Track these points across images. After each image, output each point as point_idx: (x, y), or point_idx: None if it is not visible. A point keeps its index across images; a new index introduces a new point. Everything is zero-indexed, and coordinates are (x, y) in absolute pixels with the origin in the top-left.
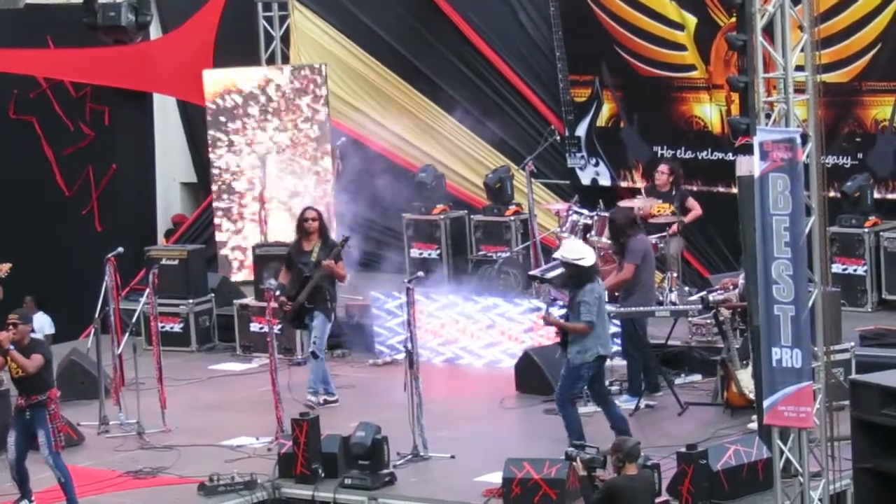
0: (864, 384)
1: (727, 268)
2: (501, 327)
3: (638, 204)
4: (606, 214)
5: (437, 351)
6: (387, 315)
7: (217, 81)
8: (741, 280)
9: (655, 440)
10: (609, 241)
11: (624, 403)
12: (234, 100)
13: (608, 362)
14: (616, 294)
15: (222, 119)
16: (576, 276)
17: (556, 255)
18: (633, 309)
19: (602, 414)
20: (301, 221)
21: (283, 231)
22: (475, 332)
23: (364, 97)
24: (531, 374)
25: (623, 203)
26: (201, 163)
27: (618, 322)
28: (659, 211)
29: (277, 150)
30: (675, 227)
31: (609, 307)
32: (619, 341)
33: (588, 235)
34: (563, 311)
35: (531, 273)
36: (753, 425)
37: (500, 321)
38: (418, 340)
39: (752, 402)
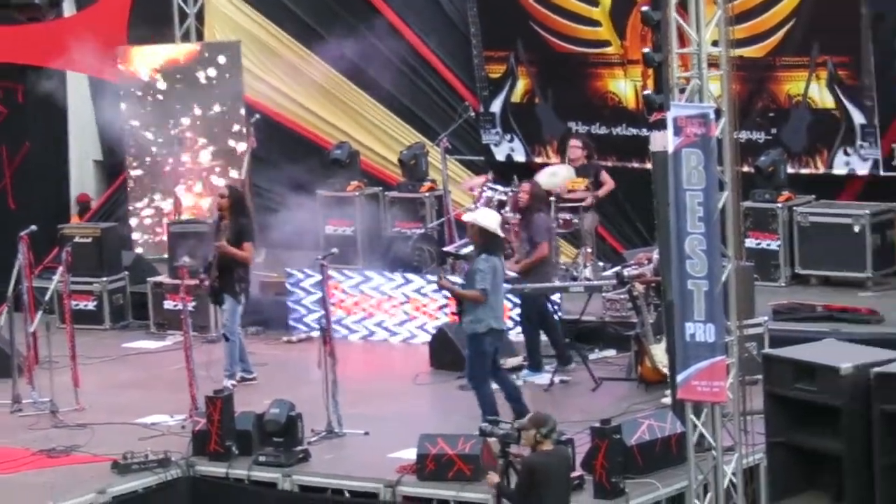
0: (777, 358)
1: (641, 243)
2: (416, 304)
3: (557, 172)
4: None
5: (351, 328)
6: (301, 292)
7: (131, 58)
8: (655, 255)
9: (570, 415)
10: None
11: (528, 378)
12: (148, 77)
13: (522, 337)
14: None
15: (138, 94)
16: (481, 244)
17: (467, 217)
18: (547, 284)
19: (529, 389)
20: (216, 203)
21: (198, 208)
22: (390, 308)
23: (278, 74)
24: (446, 351)
25: (544, 170)
26: (114, 141)
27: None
28: (573, 186)
29: (192, 126)
30: (589, 201)
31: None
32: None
33: (503, 211)
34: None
35: (445, 249)
36: (667, 400)
37: (415, 298)
38: (333, 317)
39: (665, 376)
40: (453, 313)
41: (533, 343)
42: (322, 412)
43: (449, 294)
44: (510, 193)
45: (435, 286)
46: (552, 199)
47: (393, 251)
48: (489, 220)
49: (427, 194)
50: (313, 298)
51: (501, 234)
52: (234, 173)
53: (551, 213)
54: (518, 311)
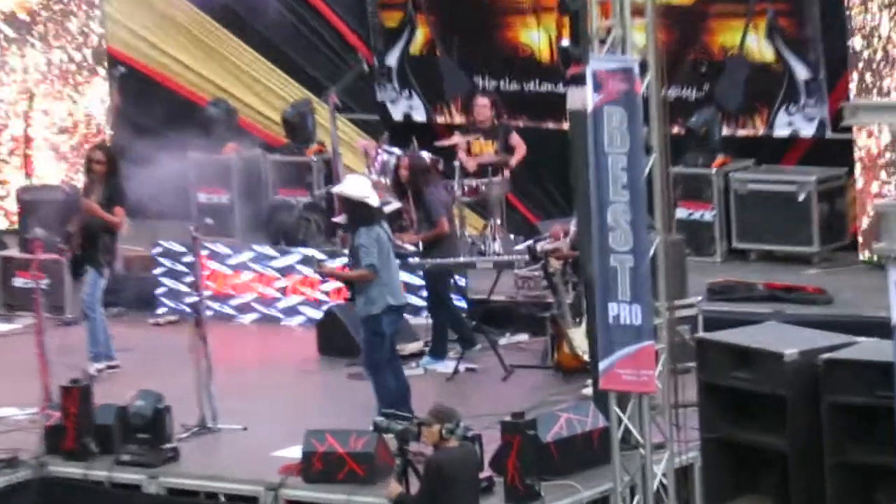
0: (712, 343)
1: (558, 213)
2: (301, 281)
3: (456, 140)
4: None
5: (228, 308)
6: (170, 267)
7: None
8: (573, 227)
9: (477, 408)
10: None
11: (430, 366)
12: None
13: (425, 320)
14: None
15: None
16: (354, 217)
17: (335, 190)
18: (451, 260)
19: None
20: (87, 163)
21: (51, 173)
22: (272, 286)
23: (145, 22)
24: (335, 335)
25: (441, 143)
26: None
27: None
28: (480, 150)
29: (44, 80)
30: (499, 178)
31: (420, 260)
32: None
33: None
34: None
35: (335, 220)
36: (588, 391)
37: (300, 274)
38: (206, 296)
39: (586, 364)
40: (346, 299)
41: (441, 326)
42: (194, 404)
43: (335, 281)
44: (403, 158)
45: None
46: (456, 164)
47: (275, 222)
48: (357, 188)
49: (314, 157)
50: (184, 275)
51: (375, 202)
52: (93, 132)
53: (457, 179)
54: (424, 291)
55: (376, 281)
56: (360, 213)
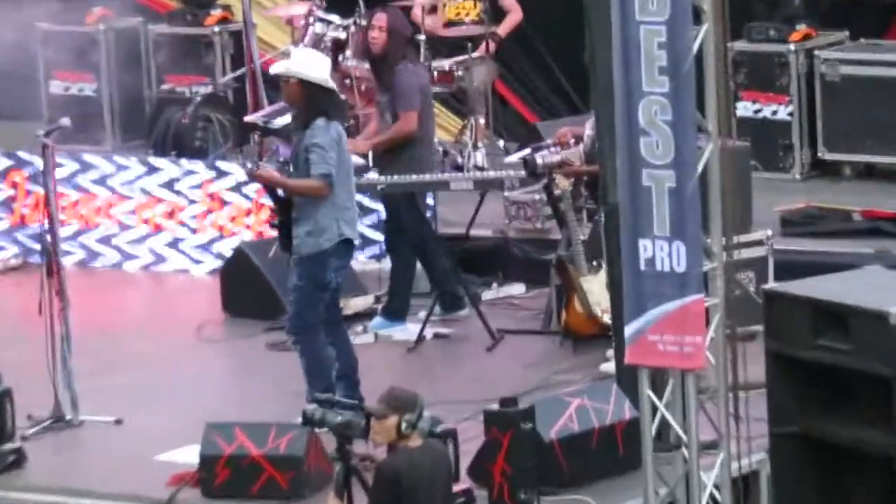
0: (788, 298)
1: (566, 110)
2: (200, 208)
3: (422, 1)
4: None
5: (94, 248)
6: (10, 189)
7: None
8: (589, 130)
9: (450, 392)
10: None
11: (382, 331)
12: None
13: (377, 265)
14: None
15: None
16: (309, 108)
17: (278, 67)
18: (413, 178)
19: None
20: None
21: None
22: (156, 216)
23: None
24: (247, 284)
25: (399, 2)
26: None
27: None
28: (458, 15)
29: None
30: (483, 45)
31: (373, 176)
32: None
33: (341, 58)
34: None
35: (248, 119)
36: (609, 366)
37: (198, 198)
38: (63, 231)
39: (605, 327)
40: (271, 223)
41: (401, 275)
42: (45, 387)
43: (268, 192)
44: (353, 28)
45: (238, 179)
46: (421, 38)
47: (162, 122)
48: (316, 66)
49: (216, 29)
50: (30, 200)
51: (332, 85)
52: None
53: (423, 61)
54: (376, 219)
55: (328, 202)
56: (320, 102)
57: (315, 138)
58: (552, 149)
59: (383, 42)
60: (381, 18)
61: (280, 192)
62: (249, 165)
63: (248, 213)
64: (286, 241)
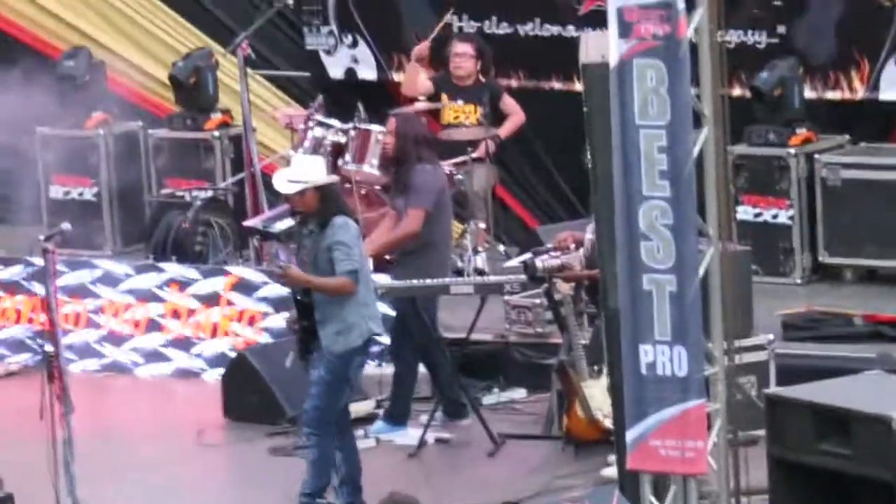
0: (790, 402)
1: (567, 214)
2: (201, 315)
3: (421, 107)
4: (370, 127)
5: (95, 352)
6: (8, 295)
7: None
8: (589, 234)
9: (451, 496)
10: (377, 171)
11: (384, 435)
12: None
13: (378, 369)
14: (389, 259)
15: None
16: (325, 208)
17: (290, 188)
18: (418, 282)
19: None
20: None
21: None
22: (157, 321)
23: None
24: (248, 389)
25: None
26: None
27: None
28: (458, 118)
29: None
30: (482, 147)
31: (379, 278)
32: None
33: (341, 162)
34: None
35: (248, 224)
36: (611, 471)
37: (198, 305)
38: (64, 336)
39: (607, 432)
40: (292, 328)
41: (404, 379)
42: (47, 492)
43: (293, 294)
44: (352, 132)
45: (229, 283)
46: None
47: (162, 226)
48: (320, 168)
49: (217, 133)
50: (30, 304)
51: (335, 181)
52: None
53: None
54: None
55: (353, 299)
56: (335, 201)
57: (337, 236)
58: (552, 253)
59: (393, 145)
60: (390, 123)
61: (298, 295)
62: (281, 263)
63: (251, 318)
64: (305, 346)
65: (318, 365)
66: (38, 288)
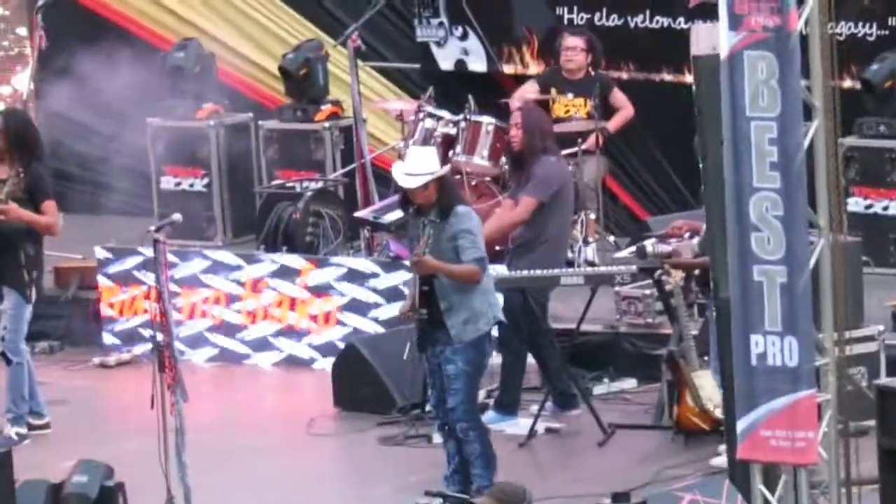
0: None
1: (677, 205)
2: (311, 304)
3: (532, 98)
4: (481, 119)
5: (205, 342)
6: (121, 285)
7: None
8: (701, 224)
9: (562, 486)
10: (487, 162)
11: (495, 426)
12: None
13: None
14: (499, 248)
15: None
16: (446, 197)
17: (403, 171)
18: (528, 273)
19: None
20: None
21: None
22: (268, 310)
23: None
24: (358, 379)
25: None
26: None
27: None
28: (568, 112)
29: None
30: (593, 139)
31: (492, 268)
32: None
33: (451, 153)
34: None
35: (358, 215)
36: (721, 460)
37: (307, 295)
38: (175, 326)
39: (717, 422)
40: (413, 317)
41: (513, 369)
42: (158, 481)
43: (422, 282)
44: (463, 124)
45: (339, 273)
46: None
47: (273, 217)
48: (435, 161)
49: (327, 124)
50: (141, 294)
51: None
52: (6, 92)
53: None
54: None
55: (480, 287)
56: (453, 190)
57: (461, 224)
58: (664, 243)
59: (521, 138)
60: (516, 116)
61: (425, 286)
62: (412, 254)
63: (351, 308)
64: (424, 336)
65: (450, 359)
66: (149, 278)
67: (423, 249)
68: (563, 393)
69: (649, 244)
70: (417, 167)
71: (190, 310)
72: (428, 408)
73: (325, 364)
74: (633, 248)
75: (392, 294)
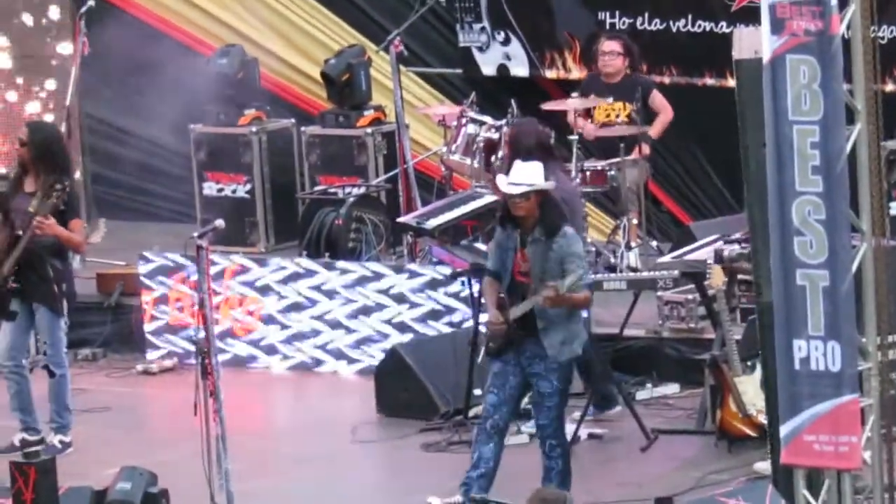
0: None
1: (720, 209)
2: (354, 310)
3: (573, 104)
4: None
5: (248, 349)
6: (164, 289)
7: None
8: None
9: (603, 492)
10: None
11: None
12: None
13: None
14: None
15: None
16: (552, 215)
17: (505, 182)
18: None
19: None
20: (20, 146)
21: None
22: (309, 318)
23: None
24: (401, 385)
25: (550, 106)
26: None
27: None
28: (609, 116)
29: None
30: (636, 150)
31: None
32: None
33: (493, 159)
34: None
35: (401, 220)
36: (765, 465)
37: (353, 299)
38: (218, 331)
39: (761, 427)
40: (502, 328)
41: None
42: (201, 487)
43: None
44: (506, 129)
45: (385, 283)
46: (573, 138)
47: (315, 223)
48: (540, 175)
49: (369, 130)
50: (183, 300)
51: None
52: (45, 98)
53: (575, 161)
54: None
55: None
56: (558, 209)
57: (572, 247)
58: (708, 248)
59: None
60: (509, 133)
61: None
62: (549, 283)
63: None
64: (510, 344)
65: (546, 377)
66: (192, 287)
67: (539, 273)
68: (605, 395)
69: (694, 256)
70: (523, 178)
71: (240, 316)
72: (472, 413)
73: (370, 370)
74: (676, 259)
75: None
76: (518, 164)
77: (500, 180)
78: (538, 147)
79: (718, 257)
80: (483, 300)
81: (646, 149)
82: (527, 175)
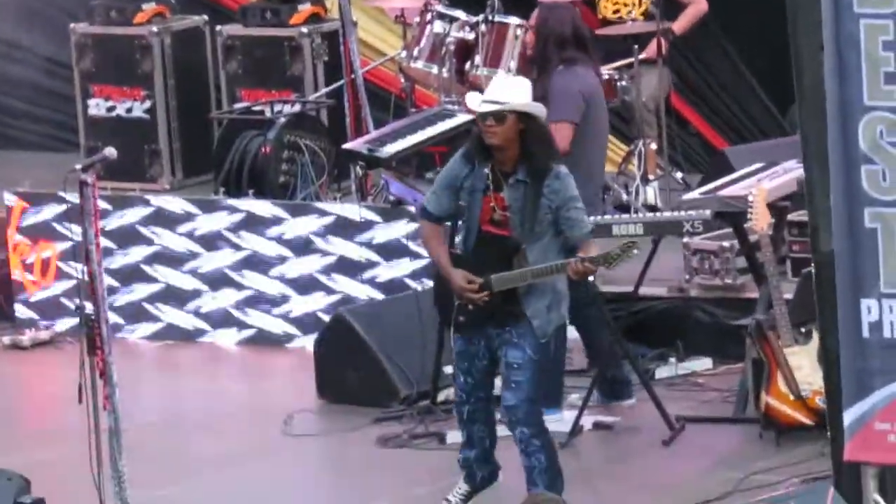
0: None
1: (763, 131)
2: (284, 265)
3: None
4: (507, 19)
5: (148, 314)
6: (38, 242)
7: None
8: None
9: (615, 498)
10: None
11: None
12: None
13: None
14: None
15: None
16: (534, 149)
17: (478, 100)
18: None
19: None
20: None
21: None
22: (227, 273)
23: None
24: (349, 362)
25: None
26: None
27: None
28: (618, 12)
29: None
30: (653, 46)
31: None
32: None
33: (469, 66)
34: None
35: (348, 147)
36: (824, 463)
37: (283, 252)
38: (109, 294)
39: (819, 413)
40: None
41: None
42: (89, 495)
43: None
44: (483, 27)
45: (324, 223)
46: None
47: (235, 152)
48: (525, 95)
49: (305, 29)
50: (62, 252)
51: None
52: None
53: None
54: None
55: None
56: (550, 143)
57: (569, 191)
58: (748, 182)
59: (531, 44)
60: (532, 16)
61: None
62: (579, 255)
63: (339, 268)
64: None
65: (515, 343)
66: (75, 233)
67: (522, 224)
68: (615, 379)
69: (730, 192)
70: (500, 95)
71: (129, 273)
72: (440, 398)
73: (306, 342)
74: (707, 196)
75: (391, 252)
76: (498, 77)
77: (472, 98)
78: (574, 39)
79: (717, 204)
80: (430, 255)
81: (665, 48)
82: (507, 92)
